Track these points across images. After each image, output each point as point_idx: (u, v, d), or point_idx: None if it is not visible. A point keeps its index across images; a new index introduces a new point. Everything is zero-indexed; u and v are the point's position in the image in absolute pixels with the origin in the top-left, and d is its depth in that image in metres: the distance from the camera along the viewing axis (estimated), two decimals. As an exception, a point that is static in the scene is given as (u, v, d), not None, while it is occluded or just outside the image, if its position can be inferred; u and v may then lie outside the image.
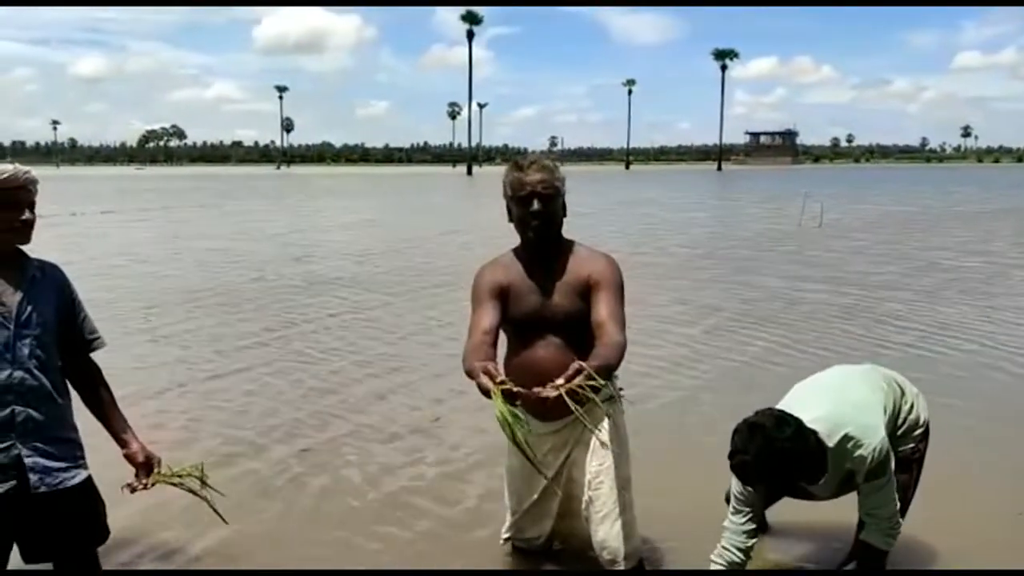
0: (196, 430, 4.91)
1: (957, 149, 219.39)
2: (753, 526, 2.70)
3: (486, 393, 2.30)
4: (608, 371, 2.49)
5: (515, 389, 2.28)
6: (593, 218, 22.07)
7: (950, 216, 23.30)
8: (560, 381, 2.27)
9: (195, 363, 6.51)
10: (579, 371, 2.29)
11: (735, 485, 2.68)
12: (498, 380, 2.30)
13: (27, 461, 2.26)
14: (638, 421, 3.21)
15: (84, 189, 47.71)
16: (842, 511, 2.94)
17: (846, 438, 2.58)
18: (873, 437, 2.59)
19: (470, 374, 2.43)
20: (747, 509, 2.68)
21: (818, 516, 3.00)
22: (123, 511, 2.98)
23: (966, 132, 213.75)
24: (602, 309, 2.66)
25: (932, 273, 11.59)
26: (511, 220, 2.79)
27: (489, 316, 2.72)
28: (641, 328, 7.97)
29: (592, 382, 2.28)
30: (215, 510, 2.52)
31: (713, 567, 2.69)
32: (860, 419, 2.63)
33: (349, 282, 10.95)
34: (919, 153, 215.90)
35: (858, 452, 2.57)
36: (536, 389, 2.26)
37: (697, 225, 21.29)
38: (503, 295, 2.77)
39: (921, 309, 8.69)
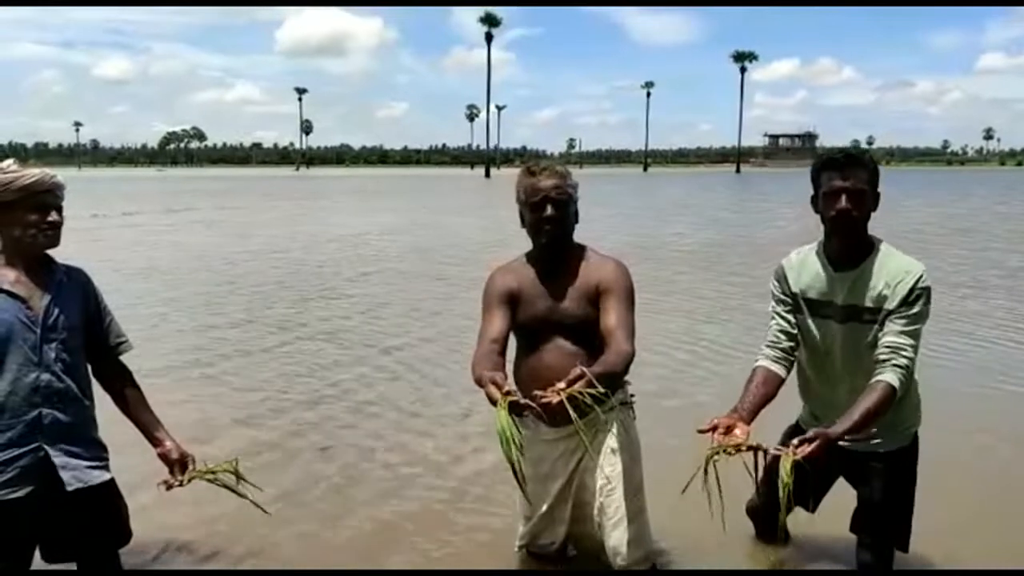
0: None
1: (979, 152, 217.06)
2: (789, 328, 2.78)
3: (494, 402, 2.33)
4: (611, 378, 2.50)
5: (522, 400, 2.30)
6: (642, 217, 22.02)
7: (993, 215, 23.25)
8: (561, 385, 2.28)
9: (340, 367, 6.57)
10: (580, 376, 2.31)
11: (772, 296, 2.84)
12: (505, 391, 2.33)
13: (56, 460, 2.30)
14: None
15: (129, 191, 48.15)
16: (842, 516, 2.93)
17: (895, 255, 2.64)
18: (920, 270, 2.59)
19: (479, 383, 2.45)
20: (781, 309, 2.80)
21: (820, 518, 3.03)
22: (144, 512, 2.99)
23: (988, 134, 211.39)
24: (611, 317, 2.67)
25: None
26: (524, 225, 2.82)
27: (498, 323, 2.75)
28: (738, 323, 8.10)
29: (593, 389, 2.28)
30: (253, 501, 2.56)
31: (757, 364, 2.79)
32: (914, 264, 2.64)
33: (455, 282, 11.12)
34: (940, 155, 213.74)
35: (905, 267, 2.59)
36: (537, 393, 2.28)
37: (741, 224, 21.52)
38: (512, 300, 2.79)
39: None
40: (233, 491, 2.55)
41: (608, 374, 2.45)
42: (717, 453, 2.39)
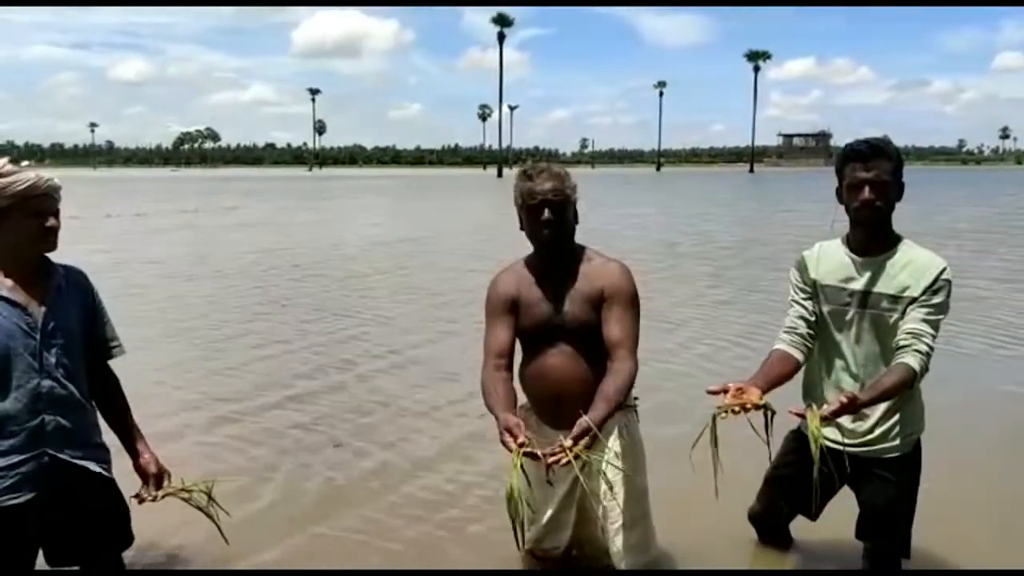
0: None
1: (995, 151, 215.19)
2: (807, 315, 2.79)
3: (509, 450, 2.37)
4: (617, 406, 2.56)
5: (537, 452, 2.34)
6: (681, 215, 22.47)
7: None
8: (568, 443, 2.33)
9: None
10: (587, 431, 2.36)
11: (792, 282, 2.86)
12: (519, 441, 2.35)
13: (61, 456, 2.29)
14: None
15: (162, 190, 48.16)
16: (843, 520, 2.93)
17: (919, 249, 2.68)
18: (944, 263, 2.63)
19: (491, 410, 2.50)
20: (800, 297, 2.82)
21: (821, 521, 3.03)
22: (145, 517, 2.94)
23: (1005, 133, 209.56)
24: (615, 328, 2.66)
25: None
26: (523, 228, 2.79)
27: (502, 334, 2.76)
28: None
29: (597, 443, 2.37)
30: (219, 527, 2.51)
31: (774, 347, 2.81)
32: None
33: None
34: (956, 155, 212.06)
35: (930, 259, 2.63)
36: (545, 452, 2.33)
37: (771, 224, 21.77)
38: (514, 307, 2.78)
39: None
40: (204, 512, 2.50)
41: (616, 402, 2.52)
42: (724, 412, 2.38)
